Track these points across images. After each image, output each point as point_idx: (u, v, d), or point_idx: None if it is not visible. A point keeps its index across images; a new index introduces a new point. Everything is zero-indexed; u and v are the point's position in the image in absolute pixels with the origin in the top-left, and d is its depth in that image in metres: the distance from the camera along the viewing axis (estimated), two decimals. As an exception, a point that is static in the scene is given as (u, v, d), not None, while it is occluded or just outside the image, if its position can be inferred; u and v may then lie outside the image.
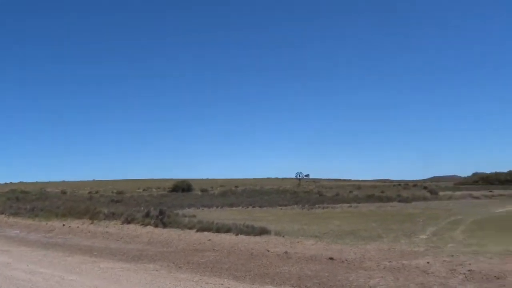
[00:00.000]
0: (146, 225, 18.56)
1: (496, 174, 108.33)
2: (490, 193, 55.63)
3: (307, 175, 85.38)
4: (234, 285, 7.82)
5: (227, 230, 15.84)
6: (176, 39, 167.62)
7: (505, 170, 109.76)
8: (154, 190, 67.22)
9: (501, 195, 52.88)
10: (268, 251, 11.79)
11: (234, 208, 34.78)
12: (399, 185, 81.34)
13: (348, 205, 37.89)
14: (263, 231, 15.29)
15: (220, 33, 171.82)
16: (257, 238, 14.25)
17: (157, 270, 9.61)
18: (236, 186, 69.17)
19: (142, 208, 26.22)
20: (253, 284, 7.88)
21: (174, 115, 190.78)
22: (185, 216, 22.29)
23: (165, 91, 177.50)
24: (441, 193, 56.11)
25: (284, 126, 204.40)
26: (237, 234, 15.17)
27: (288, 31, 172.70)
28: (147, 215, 20.42)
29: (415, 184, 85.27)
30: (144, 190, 66.25)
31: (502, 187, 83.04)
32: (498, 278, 7.42)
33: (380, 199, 44.24)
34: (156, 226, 18.06)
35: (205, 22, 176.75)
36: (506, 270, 8.04)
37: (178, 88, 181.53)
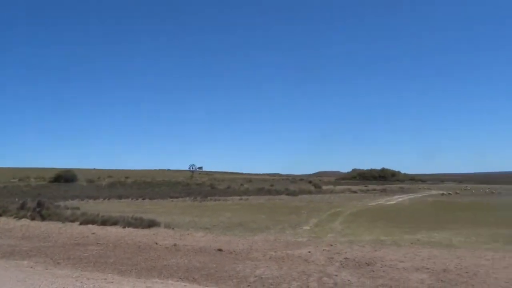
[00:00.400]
0: (21, 218, 16.93)
1: (371, 171, 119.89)
2: (365, 188, 61.25)
3: (200, 168, 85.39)
4: (118, 280, 7.49)
5: (114, 222, 15.14)
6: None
7: (379, 167, 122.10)
8: (32, 180, 61.43)
9: (374, 189, 58.51)
10: (156, 244, 11.53)
11: (123, 200, 33.37)
12: (288, 179, 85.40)
13: (239, 197, 38.75)
14: (152, 224, 14.91)
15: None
16: (146, 231, 13.85)
17: (31, 267, 8.80)
18: (126, 177, 66.34)
19: (16, 199, 23.87)
20: (139, 278, 7.64)
21: (56, 100, 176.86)
22: (67, 208, 20.80)
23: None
24: (324, 187, 60.29)
25: (178, 117, 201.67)
26: (124, 227, 14.58)
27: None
28: (23, 207, 18.65)
29: (301, 178, 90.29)
30: (20, 180, 60.17)
31: (376, 182, 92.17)
32: (368, 265, 8.20)
33: (269, 192, 46.02)
34: (33, 219, 16.56)
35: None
36: (375, 257, 8.91)
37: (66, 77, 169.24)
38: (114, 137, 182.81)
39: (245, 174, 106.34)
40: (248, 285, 6.93)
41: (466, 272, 7.30)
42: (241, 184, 60.35)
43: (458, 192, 54.84)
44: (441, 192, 54.74)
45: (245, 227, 15.50)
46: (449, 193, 51.17)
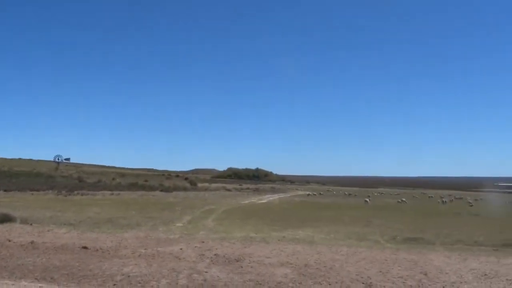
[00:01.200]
0: None
1: (246, 170, 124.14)
2: (240, 187, 63.17)
3: (68, 159, 78.94)
4: (-42, 283, 6.53)
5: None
6: None
7: (253, 167, 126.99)
8: None
9: (248, 188, 60.63)
10: (9, 241, 10.34)
11: (-30, 192, 29.29)
12: (163, 175, 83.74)
13: (110, 192, 36.90)
14: (5, 219, 13.39)
15: None
16: (-3, 227, 12.35)
17: None
18: (-23, 166, 58.25)
19: None
20: (-15, 280, 6.75)
21: None
22: None
23: None
24: (200, 185, 60.58)
25: (42, 101, 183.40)
26: (-31, 222, 12.80)
27: None
28: None
29: (178, 175, 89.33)
30: None
31: (250, 181, 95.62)
32: (237, 261, 8.45)
33: (143, 188, 44.65)
34: None
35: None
36: (245, 253, 9.23)
37: None
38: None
39: (118, 168, 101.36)
40: (114, 284, 6.62)
41: (324, 266, 7.97)
42: (113, 179, 57.40)
43: (321, 193, 59.78)
44: (307, 192, 59.10)
45: (114, 223, 14.79)
46: (314, 194, 55.50)
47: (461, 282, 6.92)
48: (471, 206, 39.14)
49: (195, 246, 10.11)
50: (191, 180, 67.37)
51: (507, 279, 7.09)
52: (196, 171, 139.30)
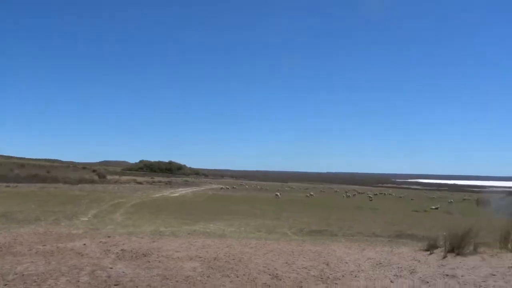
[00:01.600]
0: None
1: (159, 163, 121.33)
2: (151, 180, 61.57)
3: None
4: None
5: None
6: None
7: (166, 160, 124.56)
8: None
9: (160, 182, 59.35)
10: None
11: None
12: (69, 166, 78.78)
13: (6, 184, 33.95)
14: None
15: None
16: None
17: None
18: None
19: None
20: None
21: None
22: None
23: None
24: (109, 177, 57.92)
25: None
26: None
27: None
28: None
29: (85, 166, 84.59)
30: None
31: (162, 175, 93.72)
32: (145, 256, 8.22)
33: (44, 180, 41.66)
34: None
35: None
36: (153, 248, 9.02)
37: None
38: None
39: (17, 158, 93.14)
40: (5, 285, 6.07)
41: (233, 259, 8.07)
42: (11, 169, 52.65)
43: (235, 187, 60.51)
44: (221, 186, 59.46)
45: (9, 218, 13.61)
46: (227, 188, 55.99)
47: (358, 271, 7.43)
48: (371, 200, 42.26)
49: (100, 242, 9.65)
50: (100, 173, 64.12)
51: (398, 267, 7.76)
52: (105, 163, 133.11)
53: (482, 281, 6.80)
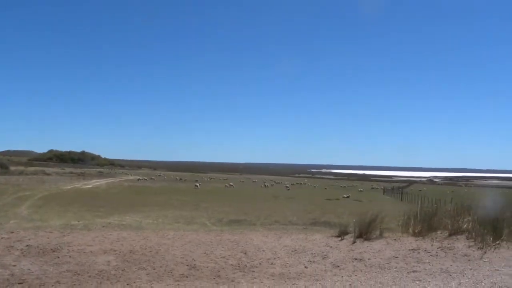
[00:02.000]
0: None
1: (70, 153, 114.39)
2: (62, 171, 57.94)
3: None
4: None
5: None
6: None
7: (79, 150, 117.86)
8: None
9: (72, 173, 56.05)
10: None
11: None
12: (-36, 156, 71.32)
13: None
14: None
15: None
16: None
17: None
18: None
19: None
20: None
21: None
22: None
23: None
24: (13, 168, 53.46)
25: None
26: None
27: None
28: None
29: (-16, 156, 77.14)
30: None
31: (74, 165, 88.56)
32: (54, 251, 7.72)
33: None
34: None
35: None
36: (63, 243, 8.49)
37: None
38: None
39: None
40: None
41: (150, 251, 7.89)
42: None
43: (153, 178, 59.08)
44: (138, 177, 57.69)
45: None
46: (145, 179, 54.50)
47: (275, 258, 7.66)
48: (288, 190, 43.74)
49: (2, 238, 8.89)
50: (2, 163, 58.86)
51: (312, 253, 8.12)
52: (8, 153, 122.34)
53: (386, 263, 7.37)
